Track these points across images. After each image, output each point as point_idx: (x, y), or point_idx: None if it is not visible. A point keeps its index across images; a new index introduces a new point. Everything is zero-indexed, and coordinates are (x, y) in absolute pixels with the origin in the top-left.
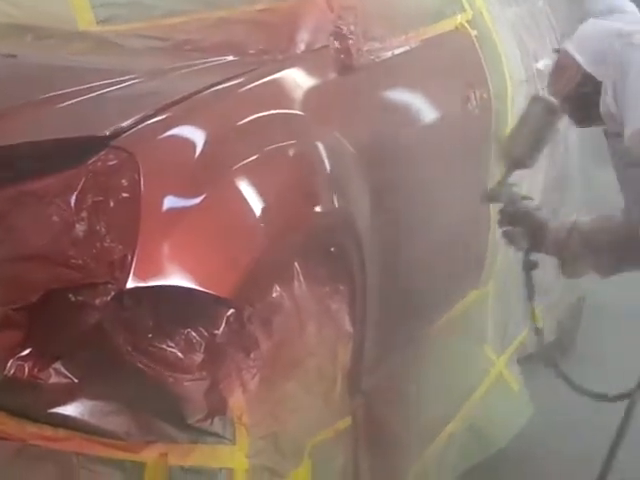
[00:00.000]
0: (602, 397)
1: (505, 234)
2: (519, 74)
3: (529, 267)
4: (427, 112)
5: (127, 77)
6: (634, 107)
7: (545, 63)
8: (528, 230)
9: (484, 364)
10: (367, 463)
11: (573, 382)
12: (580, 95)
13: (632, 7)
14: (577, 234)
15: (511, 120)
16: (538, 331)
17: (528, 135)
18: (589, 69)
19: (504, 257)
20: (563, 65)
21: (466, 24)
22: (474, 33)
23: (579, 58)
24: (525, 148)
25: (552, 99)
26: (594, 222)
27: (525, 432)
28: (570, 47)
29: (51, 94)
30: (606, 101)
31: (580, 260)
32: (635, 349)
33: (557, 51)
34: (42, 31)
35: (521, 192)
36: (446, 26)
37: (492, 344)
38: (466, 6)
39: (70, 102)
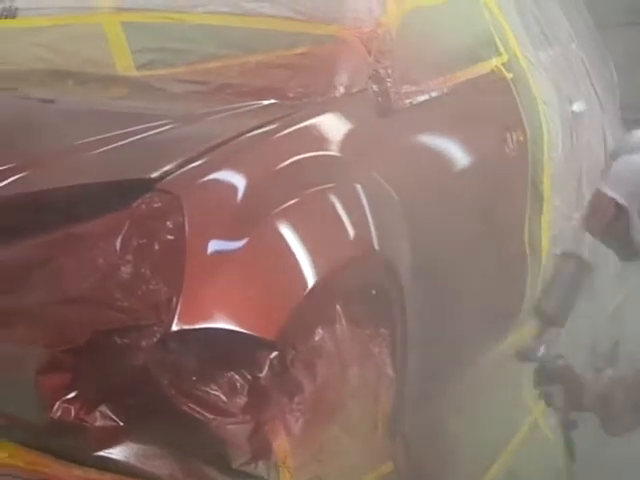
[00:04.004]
0: None
1: (542, 394)
2: (554, 117)
3: (569, 427)
4: (465, 155)
5: (167, 121)
6: None
7: (580, 106)
8: (565, 388)
9: (522, 411)
10: None
11: None
12: (617, 230)
13: None
14: (620, 389)
15: (547, 164)
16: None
17: (561, 294)
18: (622, 203)
19: None
20: (597, 203)
21: (502, 67)
22: (510, 76)
23: (612, 194)
24: (558, 307)
25: (584, 256)
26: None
27: None
28: (603, 185)
29: (90, 139)
30: (637, 228)
31: (626, 416)
32: None
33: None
34: (83, 76)
35: (555, 351)
36: (482, 69)
37: (530, 391)
38: (501, 49)
39: (110, 146)
